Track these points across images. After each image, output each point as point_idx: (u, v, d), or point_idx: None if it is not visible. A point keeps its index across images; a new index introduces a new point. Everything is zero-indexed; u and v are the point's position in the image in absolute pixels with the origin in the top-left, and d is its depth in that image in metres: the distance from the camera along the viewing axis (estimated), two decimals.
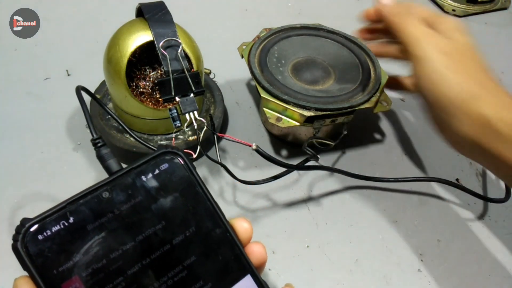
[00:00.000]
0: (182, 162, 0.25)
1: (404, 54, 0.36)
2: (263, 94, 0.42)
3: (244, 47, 0.47)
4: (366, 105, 0.42)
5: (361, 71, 0.46)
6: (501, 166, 0.31)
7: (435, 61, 0.33)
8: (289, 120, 0.41)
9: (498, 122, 0.30)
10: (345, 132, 0.45)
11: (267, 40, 0.48)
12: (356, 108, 0.42)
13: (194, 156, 0.38)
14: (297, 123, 0.41)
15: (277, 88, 0.42)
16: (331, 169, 0.43)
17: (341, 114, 0.42)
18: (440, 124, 0.34)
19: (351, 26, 0.73)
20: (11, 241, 0.21)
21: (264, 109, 0.42)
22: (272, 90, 0.42)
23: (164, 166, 0.24)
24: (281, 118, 0.41)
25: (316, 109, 0.40)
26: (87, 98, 0.33)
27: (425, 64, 0.33)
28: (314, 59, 0.48)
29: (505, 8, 0.77)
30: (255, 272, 0.24)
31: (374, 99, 0.43)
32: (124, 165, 0.27)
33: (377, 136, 0.51)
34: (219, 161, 0.41)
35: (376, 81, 0.44)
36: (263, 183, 0.40)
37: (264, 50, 0.46)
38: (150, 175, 0.24)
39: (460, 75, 0.32)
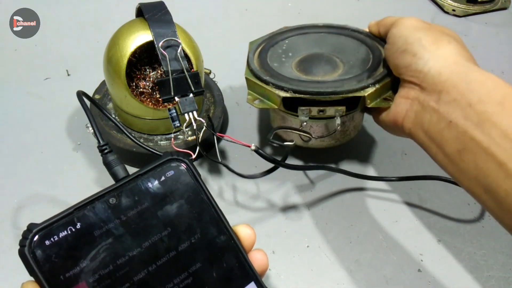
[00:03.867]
0: (188, 169, 0.25)
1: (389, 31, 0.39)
2: (247, 75, 0.39)
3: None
4: (355, 94, 0.36)
5: (369, 64, 0.40)
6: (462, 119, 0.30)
7: (415, 21, 0.36)
8: (266, 101, 0.38)
9: (467, 61, 0.32)
10: (338, 128, 0.39)
11: (280, 34, 0.45)
12: (342, 96, 0.36)
13: (194, 156, 0.38)
14: (274, 106, 0.37)
15: (264, 71, 0.39)
16: (331, 169, 0.43)
17: (325, 103, 0.37)
18: (406, 69, 0.35)
19: None
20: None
21: (248, 91, 0.39)
22: (257, 71, 0.39)
23: (170, 173, 0.25)
24: (258, 99, 0.38)
25: (295, 91, 0.36)
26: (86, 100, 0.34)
27: (405, 23, 0.36)
28: (326, 54, 0.43)
29: (505, 8, 0.77)
30: (259, 279, 0.24)
31: (369, 90, 0.37)
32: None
33: (378, 134, 0.51)
34: (220, 160, 0.41)
35: (382, 73, 0.38)
36: (261, 176, 0.40)
37: (271, 41, 0.43)
38: (156, 182, 0.24)
39: (436, 30, 0.35)
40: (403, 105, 0.35)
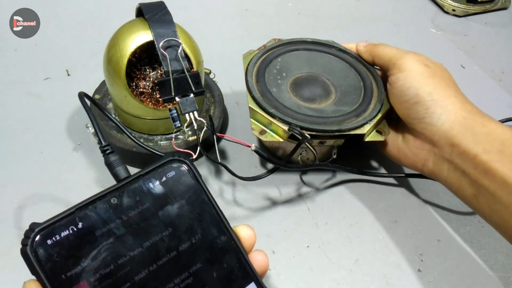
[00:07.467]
0: (189, 170, 0.25)
1: (386, 68, 0.41)
2: (251, 104, 0.40)
3: (249, 54, 0.45)
4: (357, 132, 0.39)
5: (362, 95, 0.43)
6: (469, 167, 0.33)
7: (418, 68, 0.38)
8: (273, 134, 0.39)
9: (471, 113, 0.35)
10: (334, 157, 0.42)
11: (272, 51, 0.46)
12: (345, 133, 0.39)
13: (194, 156, 0.38)
14: (281, 139, 0.39)
15: (267, 100, 0.40)
16: (330, 167, 0.43)
17: (328, 137, 0.39)
18: (419, 121, 0.37)
19: (351, 26, 0.73)
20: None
21: (251, 119, 0.40)
22: (261, 101, 0.40)
23: (171, 173, 0.25)
24: (265, 132, 0.39)
25: (302, 128, 0.38)
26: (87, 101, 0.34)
27: (410, 70, 0.38)
28: (318, 76, 0.45)
29: (505, 8, 0.77)
30: (259, 280, 0.24)
31: (367, 126, 0.39)
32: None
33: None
34: (219, 161, 0.41)
35: (374, 108, 0.41)
36: (263, 177, 0.40)
37: (265, 61, 0.44)
38: (157, 182, 0.24)
39: (439, 78, 0.37)
40: (420, 155, 0.39)
